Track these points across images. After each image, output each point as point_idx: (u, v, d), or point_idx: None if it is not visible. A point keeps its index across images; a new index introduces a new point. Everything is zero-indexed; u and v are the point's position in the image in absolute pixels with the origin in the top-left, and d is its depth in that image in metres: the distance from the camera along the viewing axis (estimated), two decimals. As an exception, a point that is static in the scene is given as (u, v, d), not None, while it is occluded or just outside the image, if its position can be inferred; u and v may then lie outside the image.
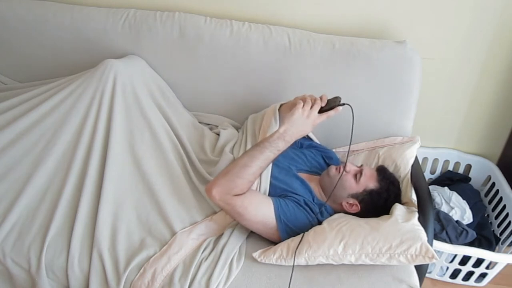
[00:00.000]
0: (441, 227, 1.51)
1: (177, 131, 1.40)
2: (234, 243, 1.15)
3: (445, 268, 1.55)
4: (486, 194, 1.81)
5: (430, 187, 1.76)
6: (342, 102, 1.13)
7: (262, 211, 1.13)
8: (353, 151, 1.51)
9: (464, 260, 1.48)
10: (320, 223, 1.18)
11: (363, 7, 1.53)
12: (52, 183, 1.25)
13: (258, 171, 1.12)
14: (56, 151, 1.28)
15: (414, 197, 1.25)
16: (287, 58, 1.46)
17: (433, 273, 1.57)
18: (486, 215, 1.76)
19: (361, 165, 1.28)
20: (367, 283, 1.07)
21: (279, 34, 1.48)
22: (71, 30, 1.56)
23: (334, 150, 1.51)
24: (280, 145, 1.12)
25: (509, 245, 1.60)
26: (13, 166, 1.27)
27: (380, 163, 1.40)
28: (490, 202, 1.78)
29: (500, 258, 1.41)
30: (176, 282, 1.07)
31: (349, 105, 1.12)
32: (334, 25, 1.57)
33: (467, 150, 1.83)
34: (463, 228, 1.51)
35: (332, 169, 1.26)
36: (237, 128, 1.56)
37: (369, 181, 1.22)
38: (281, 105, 1.36)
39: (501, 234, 1.66)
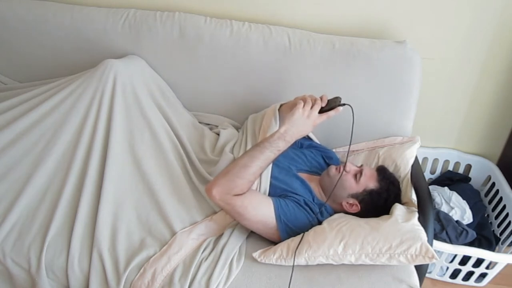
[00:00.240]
0: (441, 227, 1.51)
1: (177, 131, 1.40)
2: (234, 243, 1.15)
3: (445, 268, 1.55)
4: (486, 194, 1.81)
5: (430, 187, 1.76)
6: (342, 102, 1.13)
7: (262, 211, 1.13)
8: (353, 151, 1.51)
9: (464, 260, 1.48)
10: (320, 223, 1.18)
11: (363, 7, 1.53)
12: (52, 183, 1.25)
13: (258, 171, 1.12)
14: (56, 151, 1.28)
15: (414, 197, 1.25)
16: (287, 58, 1.46)
17: (433, 273, 1.57)
18: (486, 215, 1.76)
19: (361, 165, 1.28)
20: (367, 283, 1.07)
21: (279, 34, 1.48)
22: (71, 30, 1.56)
23: (334, 150, 1.51)
24: (280, 145, 1.12)
25: (509, 245, 1.60)
26: (13, 166, 1.27)
27: (380, 163, 1.40)
28: (490, 202, 1.78)
29: (500, 258, 1.41)
30: (176, 282, 1.07)
31: (350, 105, 1.12)
32: (334, 25, 1.57)
33: (467, 150, 1.83)
34: (463, 228, 1.51)
35: (332, 169, 1.26)
36: (237, 128, 1.56)
37: (369, 181, 1.22)
38: (281, 105, 1.36)
39: (501, 234, 1.66)
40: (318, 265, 1.09)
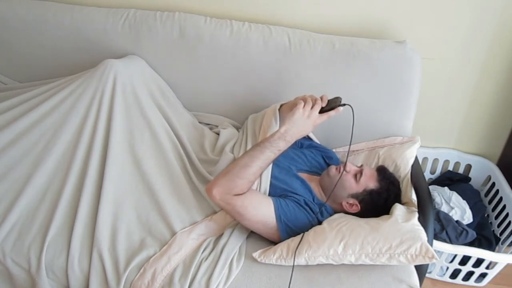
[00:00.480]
0: (441, 227, 1.51)
1: (177, 131, 1.40)
2: (234, 243, 1.15)
3: (445, 268, 1.55)
4: (486, 194, 1.81)
5: (430, 187, 1.76)
6: (342, 102, 1.13)
7: (262, 211, 1.13)
8: (353, 151, 1.51)
9: (464, 260, 1.48)
10: (320, 223, 1.18)
11: (363, 7, 1.53)
12: (52, 183, 1.25)
13: (259, 171, 1.12)
14: (56, 151, 1.28)
15: (414, 197, 1.25)
16: (287, 58, 1.46)
17: (433, 273, 1.57)
18: (486, 215, 1.75)
19: (361, 165, 1.28)
20: (367, 283, 1.07)
21: (279, 34, 1.48)
22: (71, 30, 1.56)
23: (334, 150, 1.51)
24: (280, 145, 1.12)
25: (509, 245, 1.60)
26: (13, 166, 1.27)
27: (380, 163, 1.40)
28: (490, 202, 1.78)
29: (500, 258, 1.41)
30: (176, 282, 1.07)
31: (350, 106, 1.12)
32: (334, 25, 1.57)
33: (467, 150, 1.83)
34: (463, 228, 1.51)
35: (332, 169, 1.26)
36: (237, 128, 1.56)
37: (369, 181, 1.22)
38: (281, 105, 1.36)
39: (501, 234, 1.66)
40: (318, 265, 1.09)
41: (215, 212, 1.23)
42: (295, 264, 1.07)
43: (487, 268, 1.49)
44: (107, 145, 1.29)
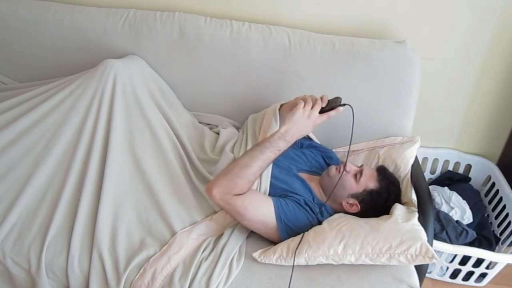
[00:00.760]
0: (441, 227, 1.51)
1: (177, 131, 1.40)
2: (234, 243, 1.15)
3: (445, 268, 1.55)
4: (486, 194, 1.81)
5: (430, 187, 1.76)
6: (342, 102, 1.14)
7: (262, 211, 1.13)
8: (353, 151, 1.51)
9: (464, 260, 1.48)
10: (320, 223, 1.18)
11: (363, 7, 1.53)
12: (52, 183, 1.25)
13: (259, 171, 1.12)
14: (56, 151, 1.28)
15: (414, 197, 1.25)
16: (287, 58, 1.46)
17: (433, 273, 1.57)
18: (486, 215, 1.76)
19: (361, 165, 1.28)
20: (367, 283, 1.07)
21: (279, 34, 1.48)
22: (71, 30, 1.56)
23: (334, 150, 1.51)
24: (281, 145, 1.12)
25: (509, 245, 1.60)
26: (13, 166, 1.27)
27: (380, 163, 1.40)
28: (490, 202, 1.78)
29: (500, 258, 1.41)
30: (176, 282, 1.07)
31: (350, 106, 1.12)
32: (334, 25, 1.57)
33: (467, 150, 1.83)
34: (463, 228, 1.51)
35: (332, 169, 1.26)
36: (237, 128, 1.56)
37: (369, 181, 1.22)
38: (281, 105, 1.36)
39: (501, 234, 1.66)
40: (318, 265, 1.09)
41: (215, 212, 1.23)
42: (295, 264, 1.07)
43: (487, 268, 1.49)
44: (107, 145, 1.29)
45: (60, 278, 1.14)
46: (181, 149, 1.37)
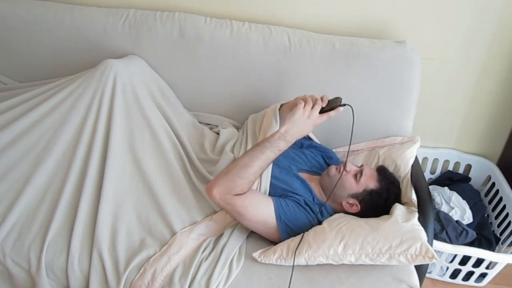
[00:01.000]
0: (441, 227, 1.51)
1: (177, 131, 1.40)
2: (234, 243, 1.15)
3: (445, 268, 1.55)
4: (486, 194, 1.81)
5: (430, 187, 1.76)
6: (342, 102, 1.14)
7: (262, 211, 1.13)
8: (353, 151, 1.51)
9: (464, 260, 1.48)
10: (320, 223, 1.18)
11: (363, 7, 1.53)
12: (52, 183, 1.25)
13: (259, 171, 1.12)
14: (56, 151, 1.28)
15: (414, 197, 1.25)
16: (287, 58, 1.46)
17: (433, 273, 1.57)
18: (486, 215, 1.76)
19: (361, 165, 1.28)
20: (367, 283, 1.07)
21: (279, 34, 1.48)
22: (71, 30, 1.56)
23: (334, 150, 1.51)
24: (281, 145, 1.12)
25: (509, 245, 1.60)
26: (13, 166, 1.27)
27: (380, 163, 1.40)
28: (490, 202, 1.78)
29: (500, 258, 1.41)
30: (176, 282, 1.07)
31: (350, 106, 1.12)
32: (334, 25, 1.57)
33: (467, 150, 1.83)
34: (463, 228, 1.51)
35: (332, 169, 1.26)
36: (237, 128, 1.56)
37: (369, 181, 1.22)
38: (281, 105, 1.36)
39: (501, 234, 1.66)
40: (318, 265, 1.09)
41: (215, 212, 1.23)
42: (295, 264, 1.07)
43: (487, 268, 1.49)
44: (107, 145, 1.29)
45: (60, 278, 1.14)
46: (181, 149, 1.37)
